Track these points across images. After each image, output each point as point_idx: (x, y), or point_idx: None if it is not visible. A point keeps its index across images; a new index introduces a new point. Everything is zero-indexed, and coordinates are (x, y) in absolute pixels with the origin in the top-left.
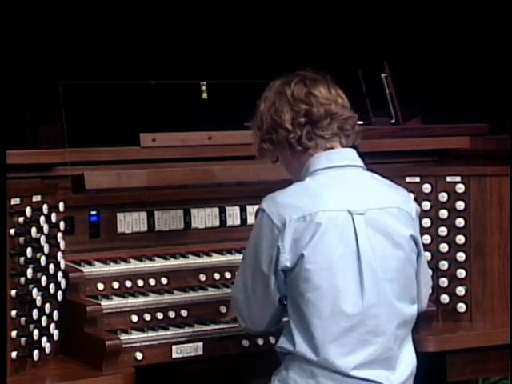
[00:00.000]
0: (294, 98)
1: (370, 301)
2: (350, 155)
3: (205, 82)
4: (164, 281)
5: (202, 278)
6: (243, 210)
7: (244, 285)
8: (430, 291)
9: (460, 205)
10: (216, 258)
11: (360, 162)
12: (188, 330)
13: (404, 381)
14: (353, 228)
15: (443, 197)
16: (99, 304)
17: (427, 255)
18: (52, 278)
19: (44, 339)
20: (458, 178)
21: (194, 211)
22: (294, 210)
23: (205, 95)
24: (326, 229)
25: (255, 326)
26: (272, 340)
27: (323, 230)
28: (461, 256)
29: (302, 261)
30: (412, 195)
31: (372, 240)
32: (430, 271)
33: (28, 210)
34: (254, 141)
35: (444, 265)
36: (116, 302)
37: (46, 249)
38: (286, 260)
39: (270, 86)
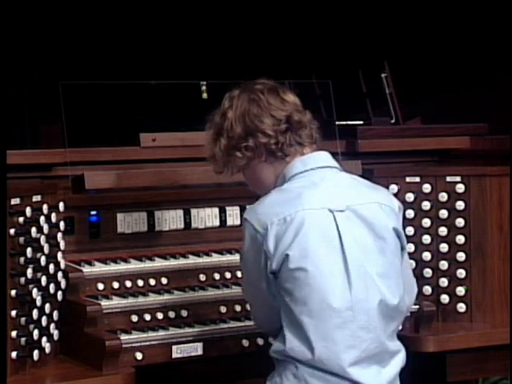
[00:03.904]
0: (271, 104)
1: (358, 296)
2: (325, 157)
3: (205, 82)
4: (164, 281)
5: (202, 277)
6: (243, 210)
7: (246, 292)
8: (416, 290)
9: (460, 205)
10: (216, 258)
11: (335, 164)
12: (188, 329)
13: (396, 373)
14: (335, 225)
15: (443, 197)
16: (99, 304)
17: (427, 255)
18: (52, 278)
19: (44, 339)
20: (458, 178)
21: (193, 211)
22: (275, 214)
23: (205, 95)
24: (308, 228)
25: (264, 329)
26: (272, 340)
27: (305, 229)
28: (461, 256)
29: (287, 261)
30: (412, 195)
31: (356, 236)
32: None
33: (28, 210)
34: (215, 150)
35: (444, 265)
36: (116, 302)
37: (46, 249)
38: (273, 263)
39: (230, 96)
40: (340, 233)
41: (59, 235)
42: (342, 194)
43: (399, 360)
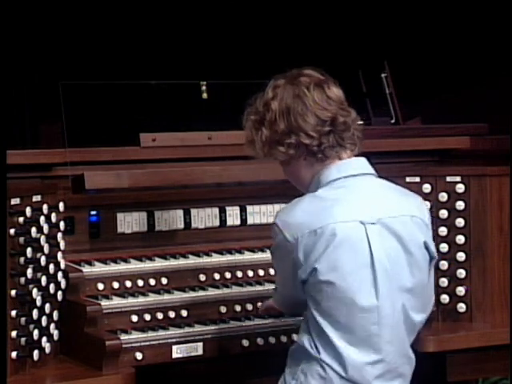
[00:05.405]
0: (317, 103)
1: (384, 311)
2: (361, 163)
3: (205, 82)
4: (164, 281)
5: (202, 278)
6: (243, 210)
7: (276, 281)
8: (433, 301)
9: (460, 205)
10: (216, 258)
11: (371, 170)
12: (188, 329)
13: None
14: (366, 239)
15: (443, 197)
16: (99, 304)
17: None
18: (52, 278)
19: (44, 339)
20: (458, 178)
21: (193, 211)
22: (306, 225)
23: (205, 95)
24: (339, 241)
25: (287, 313)
26: (272, 340)
27: (336, 242)
28: (461, 256)
29: (316, 273)
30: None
31: (387, 249)
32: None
33: (28, 210)
34: (255, 137)
35: (444, 265)
36: (116, 302)
37: (46, 249)
38: (302, 273)
39: (274, 85)
40: (371, 247)
41: (59, 235)
42: (374, 205)
43: (413, 368)
